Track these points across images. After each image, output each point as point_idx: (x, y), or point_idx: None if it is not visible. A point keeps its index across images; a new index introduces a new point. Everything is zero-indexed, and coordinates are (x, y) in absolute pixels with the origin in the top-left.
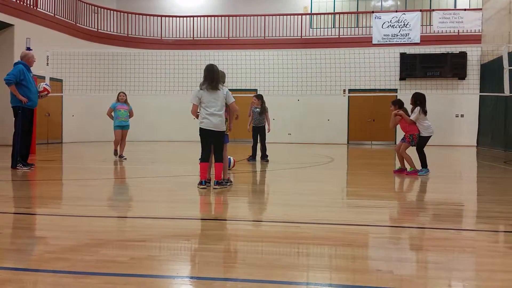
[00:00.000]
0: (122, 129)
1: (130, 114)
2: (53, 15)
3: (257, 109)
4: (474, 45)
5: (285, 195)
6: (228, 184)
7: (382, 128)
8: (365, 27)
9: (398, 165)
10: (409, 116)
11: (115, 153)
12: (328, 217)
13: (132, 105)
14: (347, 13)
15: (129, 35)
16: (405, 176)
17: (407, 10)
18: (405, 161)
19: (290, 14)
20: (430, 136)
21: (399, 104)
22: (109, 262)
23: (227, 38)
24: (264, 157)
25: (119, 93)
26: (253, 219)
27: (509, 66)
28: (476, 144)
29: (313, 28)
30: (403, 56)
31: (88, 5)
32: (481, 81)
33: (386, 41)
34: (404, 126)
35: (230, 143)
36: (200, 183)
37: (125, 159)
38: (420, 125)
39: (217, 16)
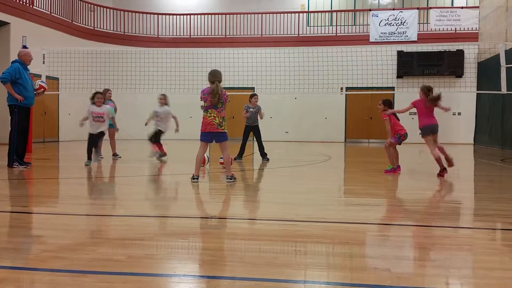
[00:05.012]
0: (109, 127)
1: (115, 110)
2: (49, 13)
3: (253, 109)
4: (471, 43)
5: (282, 193)
6: (232, 180)
7: (380, 126)
8: (362, 25)
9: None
10: (397, 118)
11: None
12: (325, 215)
13: (128, 103)
14: (344, 11)
15: (126, 33)
16: (398, 174)
17: (404, 8)
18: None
19: (287, 12)
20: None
21: (388, 104)
22: (106, 260)
23: (224, 36)
24: (264, 155)
25: (107, 90)
26: (250, 217)
27: (506, 64)
28: (473, 142)
29: (310, 26)
30: (400, 54)
31: (84, 3)
32: (478, 79)
33: (383, 39)
34: (393, 126)
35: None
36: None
37: (119, 157)
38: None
39: (214, 14)
